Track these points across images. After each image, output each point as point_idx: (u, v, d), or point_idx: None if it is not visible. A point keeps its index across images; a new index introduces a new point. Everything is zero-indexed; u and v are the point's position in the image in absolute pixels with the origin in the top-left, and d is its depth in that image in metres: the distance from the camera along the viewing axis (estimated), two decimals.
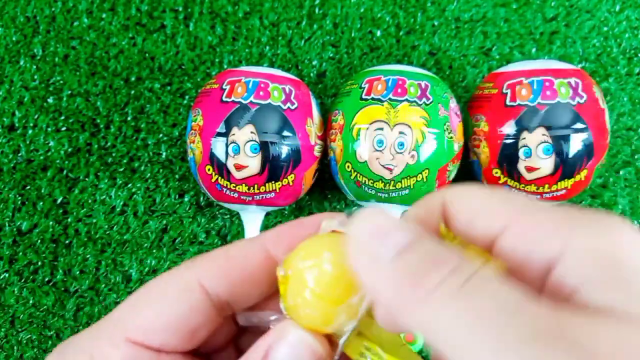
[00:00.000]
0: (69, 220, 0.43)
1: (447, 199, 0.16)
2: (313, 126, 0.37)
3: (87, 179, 0.44)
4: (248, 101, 0.35)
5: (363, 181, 0.36)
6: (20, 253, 0.43)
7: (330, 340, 0.17)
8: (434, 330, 0.13)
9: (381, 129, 0.35)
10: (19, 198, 0.44)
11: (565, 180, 0.35)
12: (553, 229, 0.14)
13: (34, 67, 0.46)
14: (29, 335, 0.42)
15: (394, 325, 0.15)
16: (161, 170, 0.44)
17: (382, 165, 0.35)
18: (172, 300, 0.17)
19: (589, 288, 0.13)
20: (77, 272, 0.43)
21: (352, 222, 0.15)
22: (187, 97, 0.45)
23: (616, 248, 0.13)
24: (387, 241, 0.14)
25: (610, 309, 0.12)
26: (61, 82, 0.46)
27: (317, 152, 0.38)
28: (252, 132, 0.35)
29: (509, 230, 0.15)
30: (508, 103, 0.36)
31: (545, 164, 0.35)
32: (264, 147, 0.35)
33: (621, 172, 0.43)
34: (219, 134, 0.35)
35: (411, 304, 0.13)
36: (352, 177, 0.36)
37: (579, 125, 0.35)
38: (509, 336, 0.12)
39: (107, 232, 0.43)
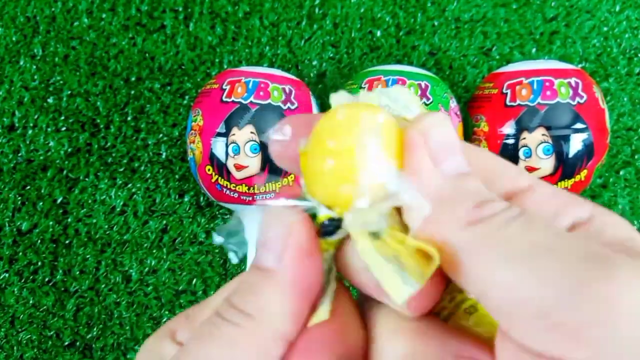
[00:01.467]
0: (69, 220, 0.43)
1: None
2: None
3: (87, 179, 0.44)
4: (248, 101, 0.35)
5: None
6: (20, 253, 0.43)
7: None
8: (476, 253, 0.13)
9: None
10: (19, 198, 0.44)
11: (566, 180, 0.35)
12: (574, 199, 0.14)
13: (34, 67, 0.46)
14: (29, 336, 0.42)
15: (428, 236, 0.14)
16: (161, 170, 0.44)
17: None
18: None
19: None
20: (77, 272, 0.43)
21: (422, 118, 0.14)
22: (187, 97, 0.45)
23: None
24: (454, 157, 0.14)
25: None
26: (61, 82, 0.46)
27: None
28: (252, 132, 0.35)
29: (533, 192, 0.15)
30: (508, 103, 0.36)
31: (545, 164, 0.35)
32: (264, 147, 0.35)
33: (621, 172, 0.43)
34: (219, 134, 0.35)
35: (460, 223, 0.13)
36: None
37: (579, 126, 0.35)
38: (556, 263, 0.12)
39: (107, 232, 0.43)
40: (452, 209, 0.14)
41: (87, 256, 0.43)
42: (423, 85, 0.36)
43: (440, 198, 0.14)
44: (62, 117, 0.45)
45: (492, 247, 0.13)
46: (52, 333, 0.42)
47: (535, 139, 0.35)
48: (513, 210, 0.13)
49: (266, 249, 0.15)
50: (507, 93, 0.36)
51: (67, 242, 0.43)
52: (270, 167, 0.35)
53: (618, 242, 0.13)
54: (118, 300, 0.42)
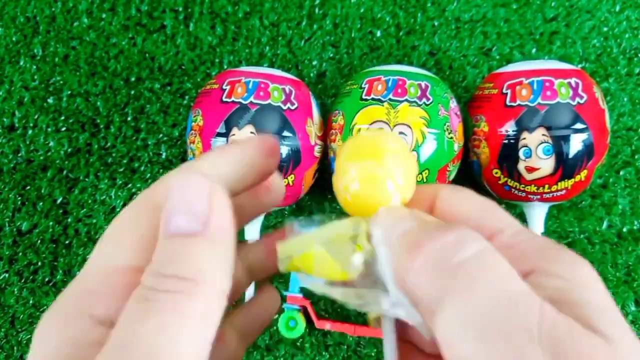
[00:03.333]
0: (69, 220, 0.43)
1: (441, 196, 0.19)
2: (313, 126, 0.37)
3: (87, 179, 0.44)
4: (248, 101, 0.35)
5: None
6: (20, 253, 0.43)
7: None
8: (413, 289, 0.15)
9: (381, 129, 0.35)
10: (19, 198, 0.44)
11: (565, 180, 0.35)
12: (532, 253, 0.16)
13: (34, 67, 0.46)
14: (29, 336, 0.42)
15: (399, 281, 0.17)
16: (161, 170, 0.44)
17: None
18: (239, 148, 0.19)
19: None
20: (77, 272, 0.43)
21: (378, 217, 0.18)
22: (187, 97, 0.45)
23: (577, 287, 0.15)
24: (401, 224, 0.17)
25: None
26: (61, 82, 0.46)
27: (317, 152, 0.38)
28: (252, 133, 0.35)
29: (493, 241, 0.17)
30: (508, 103, 0.36)
31: (545, 164, 0.35)
32: None
33: (621, 172, 0.43)
34: (219, 134, 0.35)
35: (404, 265, 0.16)
36: None
37: (579, 126, 0.35)
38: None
39: None
40: (398, 256, 0.16)
41: (87, 256, 0.43)
42: (423, 86, 0.36)
43: (391, 249, 0.17)
44: (62, 117, 0.45)
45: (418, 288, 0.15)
46: None
47: (536, 139, 0.35)
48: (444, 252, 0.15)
49: (187, 214, 0.15)
50: (507, 93, 0.36)
51: (67, 242, 0.43)
52: None
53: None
54: None
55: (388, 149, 0.19)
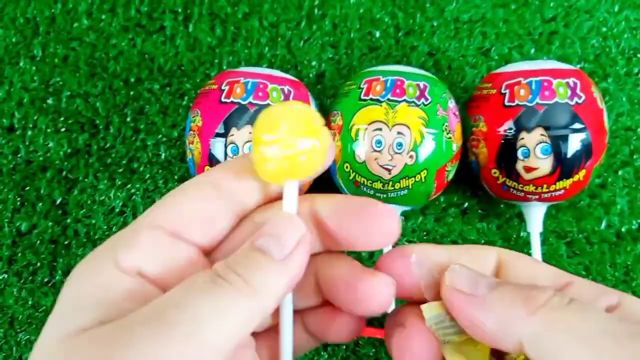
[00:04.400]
0: (68, 221, 0.44)
1: (503, 259, 0.20)
2: None
3: (86, 180, 0.44)
4: (247, 102, 0.35)
5: (361, 181, 0.36)
6: (19, 254, 0.43)
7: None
8: (543, 337, 0.16)
9: (380, 129, 0.35)
10: (18, 199, 0.44)
11: (564, 180, 0.35)
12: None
13: (34, 68, 0.46)
14: (28, 336, 0.42)
15: (502, 337, 0.18)
16: (160, 171, 0.44)
17: (381, 166, 0.35)
18: (204, 193, 0.20)
19: None
20: None
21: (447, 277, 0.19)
22: (186, 98, 0.45)
23: None
24: (482, 281, 0.19)
25: None
26: (61, 83, 0.46)
27: None
28: (251, 133, 0.35)
29: (573, 285, 0.19)
30: (506, 103, 0.36)
31: (544, 164, 0.35)
32: None
33: (620, 172, 0.43)
34: (218, 135, 0.35)
35: (522, 317, 0.17)
36: (350, 178, 0.36)
37: (577, 126, 0.35)
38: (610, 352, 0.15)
39: (107, 233, 0.43)
40: (509, 309, 0.17)
41: None
42: (422, 86, 0.36)
43: (487, 310, 0.18)
44: (62, 118, 0.45)
45: (559, 331, 0.16)
46: None
47: (534, 139, 0.35)
48: (562, 297, 0.17)
49: (278, 240, 0.18)
50: (505, 93, 0.36)
51: (66, 242, 0.43)
52: None
53: None
54: None
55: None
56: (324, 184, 0.42)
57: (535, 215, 0.39)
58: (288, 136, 0.19)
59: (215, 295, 0.16)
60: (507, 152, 0.36)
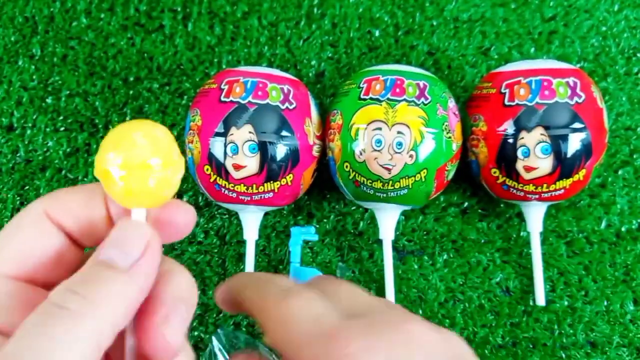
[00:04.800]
0: None
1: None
2: (311, 126, 0.37)
3: (85, 179, 0.44)
4: (246, 101, 0.35)
5: (361, 181, 0.36)
6: None
7: None
8: None
9: (379, 128, 0.35)
10: (18, 198, 0.44)
11: (564, 179, 0.35)
12: None
13: (33, 67, 0.46)
14: None
15: None
16: None
17: (381, 165, 0.35)
18: (27, 232, 0.18)
19: None
20: None
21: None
22: (185, 97, 0.45)
23: None
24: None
25: None
26: (60, 82, 0.46)
27: (315, 152, 0.38)
28: (250, 132, 0.35)
29: None
30: (506, 103, 0.36)
31: (544, 164, 0.35)
32: (262, 147, 0.35)
33: (620, 172, 0.43)
34: (217, 134, 0.35)
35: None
36: (350, 177, 0.36)
37: (577, 125, 0.35)
38: None
39: None
40: None
41: None
42: (421, 85, 0.36)
43: None
44: (61, 117, 0.45)
45: None
46: None
47: (534, 138, 0.35)
48: None
49: (121, 250, 0.17)
50: (505, 93, 0.36)
51: None
52: (268, 167, 0.35)
53: None
54: None
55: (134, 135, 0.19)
56: (324, 183, 0.42)
57: (535, 214, 0.39)
58: (134, 156, 0.18)
59: (51, 328, 0.15)
60: (507, 152, 0.36)
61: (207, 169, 0.36)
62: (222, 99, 0.36)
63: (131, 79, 0.45)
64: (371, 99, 0.36)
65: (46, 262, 0.19)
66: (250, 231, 0.39)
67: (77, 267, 0.18)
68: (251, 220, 0.39)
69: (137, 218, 0.19)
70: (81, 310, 0.16)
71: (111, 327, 0.16)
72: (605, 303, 0.41)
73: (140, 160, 0.18)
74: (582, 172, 0.35)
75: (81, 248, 0.20)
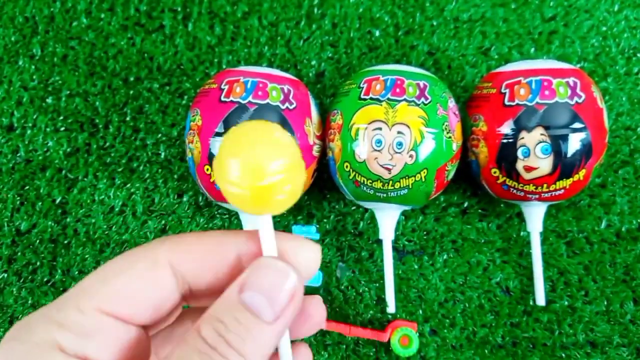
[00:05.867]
0: (68, 220, 0.43)
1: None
2: (311, 126, 0.37)
3: (85, 179, 0.44)
4: (246, 101, 0.35)
5: (362, 181, 0.36)
6: (19, 253, 0.43)
7: None
8: None
9: (380, 128, 0.35)
10: (18, 198, 0.44)
11: (564, 179, 0.35)
12: None
13: (33, 67, 0.46)
14: None
15: None
16: (160, 170, 0.44)
17: (381, 165, 0.35)
18: (140, 272, 0.18)
19: None
20: (76, 272, 0.43)
21: None
22: (185, 97, 0.45)
23: None
24: None
25: None
26: (60, 82, 0.46)
27: (315, 152, 0.38)
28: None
29: None
30: (506, 103, 0.36)
31: (544, 164, 0.35)
32: None
33: (620, 172, 0.43)
34: (218, 134, 0.35)
35: None
36: (350, 177, 0.36)
37: (577, 125, 0.35)
38: None
39: (106, 232, 0.43)
40: None
41: (86, 256, 0.43)
42: (422, 85, 0.36)
43: None
44: (61, 117, 0.45)
45: None
46: None
47: (534, 138, 0.35)
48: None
49: (268, 299, 0.17)
50: (505, 93, 0.36)
51: (65, 242, 0.43)
52: None
53: None
54: None
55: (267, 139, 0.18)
56: (324, 183, 0.43)
57: (535, 214, 0.39)
58: (255, 159, 0.17)
59: None
60: (507, 152, 0.36)
61: (208, 169, 0.36)
62: (223, 99, 0.36)
63: (131, 79, 0.45)
64: (371, 99, 0.36)
65: (150, 307, 0.18)
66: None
67: (173, 310, 0.19)
68: (251, 221, 0.39)
69: (266, 226, 0.18)
70: None
71: None
72: (605, 303, 0.41)
73: (266, 166, 0.17)
74: (582, 172, 0.35)
75: (184, 296, 0.20)
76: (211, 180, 0.36)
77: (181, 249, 0.19)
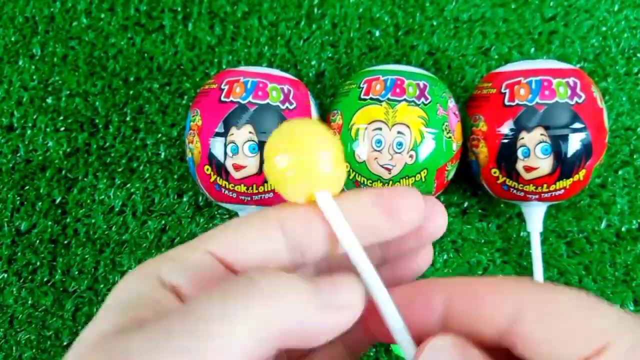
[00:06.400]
0: (68, 220, 0.43)
1: (450, 296, 0.19)
2: None
3: (85, 179, 0.44)
4: (246, 101, 0.35)
5: (362, 181, 0.36)
6: (19, 253, 0.43)
7: None
8: None
9: (380, 129, 0.35)
10: (18, 198, 0.44)
11: (564, 180, 0.35)
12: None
13: (33, 67, 0.46)
14: (28, 336, 0.42)
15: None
16: (160, 170, 0.44)
17: (381, 165, 0.35)
18: (253, 225, 0.19)
19: None
20: (76, 272, 0.43)
21: None
22: (185, 97, 0.45)
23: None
24: None
25: None
26: (60, 82, 0.46)
27: None
28: (250, 132, 0.35)
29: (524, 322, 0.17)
30: (506, 103, 0.36)
31: (544, 164, 0.35)
32: (262, 147, 0.35)
33: (620, 172, 0.43)
34: (218, 134, 0.35)
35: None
36: (350, 177, 0.36)
37: (577, 125, 0.35)
38: None
39: (106, 232, 0.43)
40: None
41: (86, 256, 0.43)
42: (421, 85, 0.36)
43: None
44: (61, 117, 0.45)
45: None
46: (50, 333, 0.42)
47: (534, 138, 0.35)
48: None
49: (345, 303, 0.17)
50: (505, 93, 0.36)
51: (65, 242, 0.43)
52: None
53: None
54: None
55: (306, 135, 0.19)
56: None
57: (535, 215, 0.39)
58: (301, 150, 0.18)
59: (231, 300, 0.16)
60: (507, 152, 0.36)
61: (208, 169, 0.36)
62: (222, 99, 0.36)
63: (131, 79, 0.45)
64: (371, 99, 0.36)
65: (256, 259, 0.19)
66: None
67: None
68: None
69: (324, 203, 0.18)
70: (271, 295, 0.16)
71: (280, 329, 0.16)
72: None
73: (308, 148, 0.18)
74: (582, 172, 0.35)
75: (297, 265, 0.20)
76: (211, 180, 0.36)
77: (289, 214, 0.19)
